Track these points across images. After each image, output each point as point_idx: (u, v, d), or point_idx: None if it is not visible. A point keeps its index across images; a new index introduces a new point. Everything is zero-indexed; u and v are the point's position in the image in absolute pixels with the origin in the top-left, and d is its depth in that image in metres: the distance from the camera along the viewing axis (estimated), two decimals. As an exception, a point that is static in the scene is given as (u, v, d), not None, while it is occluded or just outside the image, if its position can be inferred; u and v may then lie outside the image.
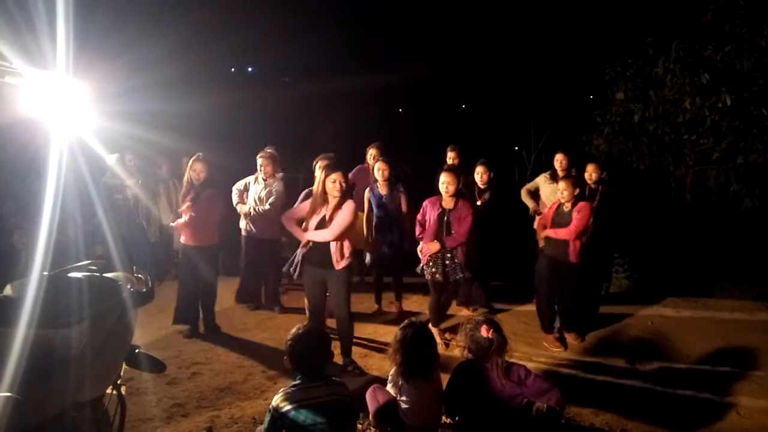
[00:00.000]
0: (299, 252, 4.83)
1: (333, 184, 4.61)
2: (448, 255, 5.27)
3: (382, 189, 6.12)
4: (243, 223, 6.43)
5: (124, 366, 2.70)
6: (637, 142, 8.95)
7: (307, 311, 5.27)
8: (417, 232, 5.48)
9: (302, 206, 4.90)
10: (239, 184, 6.43)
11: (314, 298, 4.91)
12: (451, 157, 6.78)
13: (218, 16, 14.76)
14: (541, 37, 17.58)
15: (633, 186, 9.20)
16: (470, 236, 5.28)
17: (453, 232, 5.22)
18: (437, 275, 5.28)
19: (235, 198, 6.37)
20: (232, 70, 19.31)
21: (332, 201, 4.67)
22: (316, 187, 4.75)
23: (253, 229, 6.31)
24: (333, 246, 4.67)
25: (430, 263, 5.31)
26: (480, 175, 6.26)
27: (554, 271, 5.47)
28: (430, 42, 19.85)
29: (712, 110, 7.89)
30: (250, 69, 20.05)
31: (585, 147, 9.54)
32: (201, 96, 11.89)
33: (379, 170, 6.06)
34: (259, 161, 6.29)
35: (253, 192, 6.31)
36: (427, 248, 5.27)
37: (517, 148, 13.91)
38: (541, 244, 5.60)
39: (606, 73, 9.20)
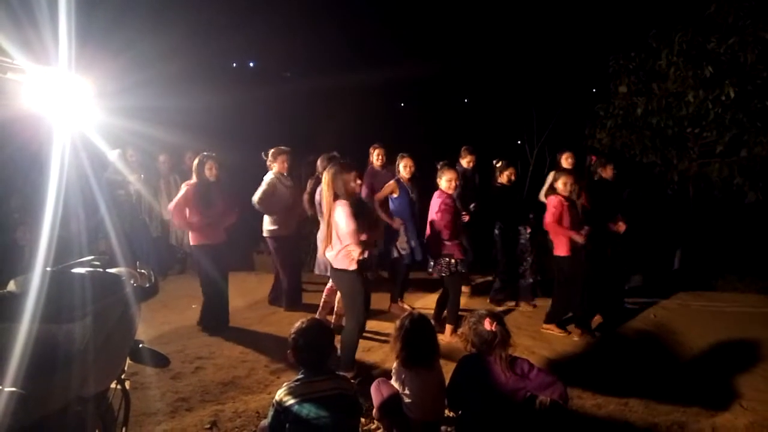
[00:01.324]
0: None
1: (355, 182, 4.40)
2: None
3: (408, 184, 6.15)
4: (268, 222, 6.23)
5: (128, 361, 2.71)
6: (640, 135, 8.91)
7: (323, 306, 5.48)
8: (446, 235, 5.35)
9: (351, 215, 4.32)
10: (265, 188, 6.11)
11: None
12: (468, 161, 6.79)
13: (219, 11, 14.73)
14: (544, 30, 17.51)
15: (636, 179, 9.16)
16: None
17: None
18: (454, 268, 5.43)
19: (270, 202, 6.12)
20: (234, 65, 19.27)
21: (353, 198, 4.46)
22: (342, 191, 4.33)
23: (285, 228, 6.27)
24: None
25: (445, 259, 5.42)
26: (509, 176, 6.35)
27: (586, 269, 5.58)
28: (432, 36, 19.80)
29: (715, 103, 7.85)
30: (251, 64, 20.00)
31: (588, 141, 9.51)
32: (203, 91, 11.87)
33: (406, 167, 6.08)
34: (284, 158, 6.24)
35: (284, 190, 6.24)
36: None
37: (519, 142, 13.87)
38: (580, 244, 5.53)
39: (609, 66, 9.15)
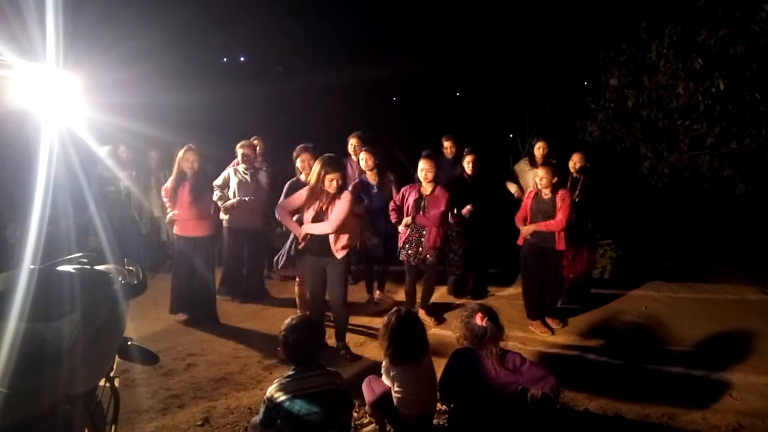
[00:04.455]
0: (291, 245, 4.98)
1: (330, 183, 4.53)
2: (422, 239, 5.54)
3: (371, 178, 6.14)
4: (224, 215, 6.40)
5: (118, 359, 2.70)
6: (630, 128, 8.94)
7: (299, 300, 5.50)
8: (392, 218, 5.71)
9: (297, 197, 4.72)
10: (218, 181, 6.35)
11: (315, 287, 4.91)
12: (447, 147, 6.81)
13: (210, 5, 14.64)
14: (535, 23, 17.51)
15: (626, 172, 9.20)
16: (442, 221, 5.55)
17: (427, 214, 5.51)
18: (411, 257, 5.59)
19: (216, 194, 6.22)
20: (225, 60, 19.17)
21: (328, 195, 4.61)
22: (314, 181, 4.59)
23: (237, 220, 6.38)
24: (331, 237, 4.67)
25: (406, 245, 5.62)
26: (470, 164, 6.27)
27: (541, 259, 5.58)
28: (423, 30, 19.75)
29: (705, 95, 7.87)
30: (242, 59, 19.88)
31: (579, 134, 9.53)
32: (193, 86, 11.81)
33: (362, 159, 6.09)
34: (241, 151, 6.35)
35: (235, 183, 6.32)
36: (402, 224, 5.61)
37: (511, 135, 13.91)
38: (527, 236, 5.61)
39: (600, 59, 9.16)
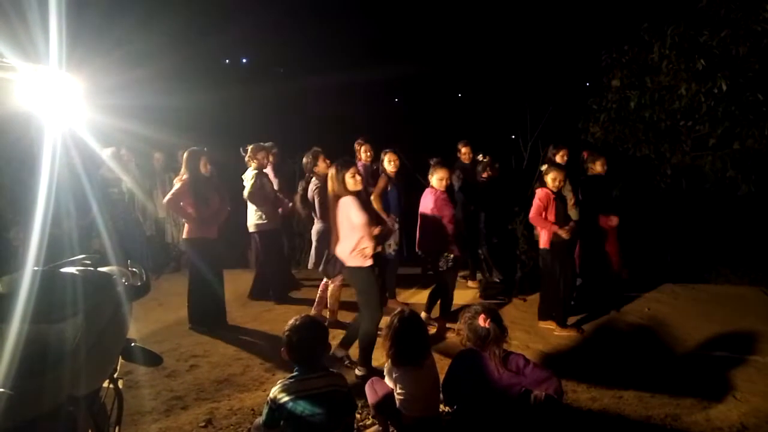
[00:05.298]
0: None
1: (354, 178, 4.36)
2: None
3: (395, 179, 6.15)
4: (256, 218, 6.31)
5: (122, 360, 2.70)
6: (633, 128, 8.93)
7: (325, 302, 5.54)
8: (451, 230, 5.36)
9: (366, 214, 4.38)
10: (252, 186, 6.19)
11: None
12: (464, 153, 6.90)
13: (211, 7, 14.68)
14: (537, 24, 17.53)
15: (628, 174, 9.18)
16: None
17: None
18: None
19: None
20: (227, 61, 19.20)
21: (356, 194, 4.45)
22: (345, 187, 4.33)
23: (266, 223, 6.36)
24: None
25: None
26: (493, 170, 6.38)
27: (569, 262, 5.63)
28: (426, 32, 19.77)
29: (707, 96, 7.86)
30: (244, 60, 19.90)
31: (581, 135, 9.52)
32: (195, 88, 11.83)
33: (390, 161, 6.06)
34: (263, 154, 6.33)
35: (267, 185, 6.33)
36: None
37: (513, 136, 13.93)
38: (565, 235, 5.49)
39: (602, 60, 9.16)
